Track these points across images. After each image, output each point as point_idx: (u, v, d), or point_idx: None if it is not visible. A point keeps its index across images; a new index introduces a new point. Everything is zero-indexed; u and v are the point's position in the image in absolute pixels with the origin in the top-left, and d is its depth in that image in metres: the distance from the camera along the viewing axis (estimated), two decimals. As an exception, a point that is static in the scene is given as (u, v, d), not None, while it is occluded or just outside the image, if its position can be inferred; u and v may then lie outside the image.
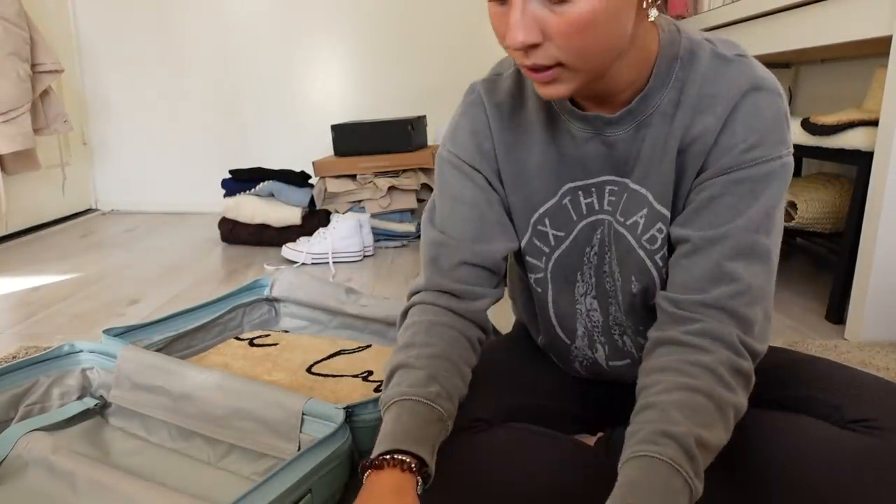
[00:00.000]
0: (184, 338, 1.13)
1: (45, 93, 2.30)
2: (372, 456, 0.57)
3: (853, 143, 1.41)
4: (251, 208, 2.29)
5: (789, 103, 2.33)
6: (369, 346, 1.18)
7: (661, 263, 0.68)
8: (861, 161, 1.40)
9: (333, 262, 2.05)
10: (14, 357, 1.27)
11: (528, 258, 0.75)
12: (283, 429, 0.80)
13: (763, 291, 0.61)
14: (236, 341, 1.19)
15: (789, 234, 1.81)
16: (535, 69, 0.58)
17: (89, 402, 0.96)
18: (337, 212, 2.30)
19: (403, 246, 2.33)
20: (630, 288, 0.71)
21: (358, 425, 0.80)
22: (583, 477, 0.66)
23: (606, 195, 0.71)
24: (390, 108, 2.88)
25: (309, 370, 1.07)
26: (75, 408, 0.94)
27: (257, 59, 2.97)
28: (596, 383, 0.81)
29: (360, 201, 2.36)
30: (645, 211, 0.67)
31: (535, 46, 0.56)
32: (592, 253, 0.74)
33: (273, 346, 1.16)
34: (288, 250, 2.09)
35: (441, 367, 0.64)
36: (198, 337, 1.17)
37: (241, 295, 1.31)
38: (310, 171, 2.48)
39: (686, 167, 0.65)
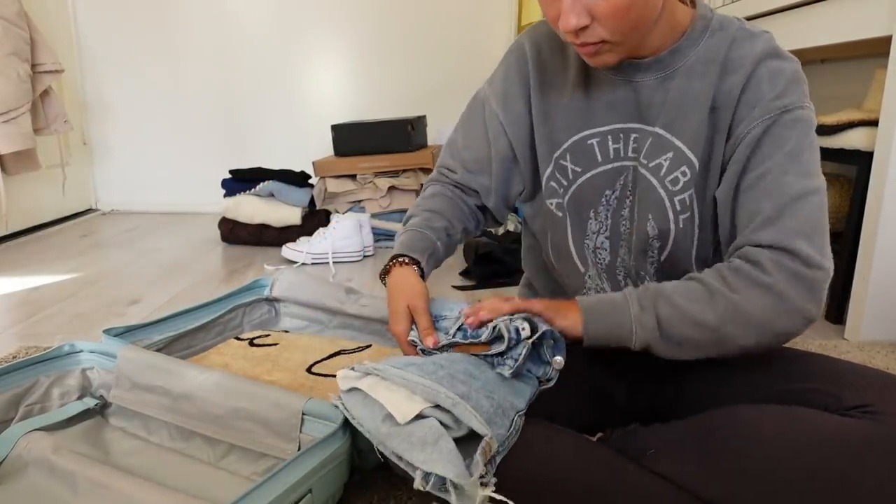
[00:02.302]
0: (184, 338, 1.13)
1: (46, 93, 2.30)
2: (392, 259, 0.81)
3: (853, 143, 1.41)
4: (251, 208, 2.29)
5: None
6: (369, 346, 1.18)
7: (679, 207, 0.75)
8: (861, 161, 1.40)
9: (333, 262, 2.05)
10: (14, 357, 1.27)
11: (550, 183, 0.84)
12: (283, 429, 0.80)
13: (796, 219, 0.67)
14: (236, 341, 1.19)
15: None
16: (584, 45, 0.67)
17: (89, 402, 0.96)
18: (337, 212, 2.30)
19: (403, 246, 2.32)
20: (646, 228, 0.77)
21: (358, 425, 0.79)
22: (585, 472, 0.66)
23: (631, 142, 0.78)
24: (390, 108, 2.88)
25: (309, 370, 1.07)
26: (75, 408, 0.94)
27: (257, 59, 2.97)
28: (597, 380, 0.82)
29: (360, 201, 2.36)
30: (671, 154, 0.75)
31: (584, 28, 0.65)
32: (613, 196, 0.81)
33: (273, 346, 1.16)
34: (288, 250, 2.09)
35: (434, 216, 0.87)
36: (198, 337, 1.17)
37: (241, 295, 1.31)
38: (310, 171, 2.48)
39: (718, 123, 0.73)
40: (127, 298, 1.71)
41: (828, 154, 1.53)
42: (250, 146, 3.06)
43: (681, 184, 0.75)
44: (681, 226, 0.76)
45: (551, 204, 0.84)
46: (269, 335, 1.22)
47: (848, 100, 1.95)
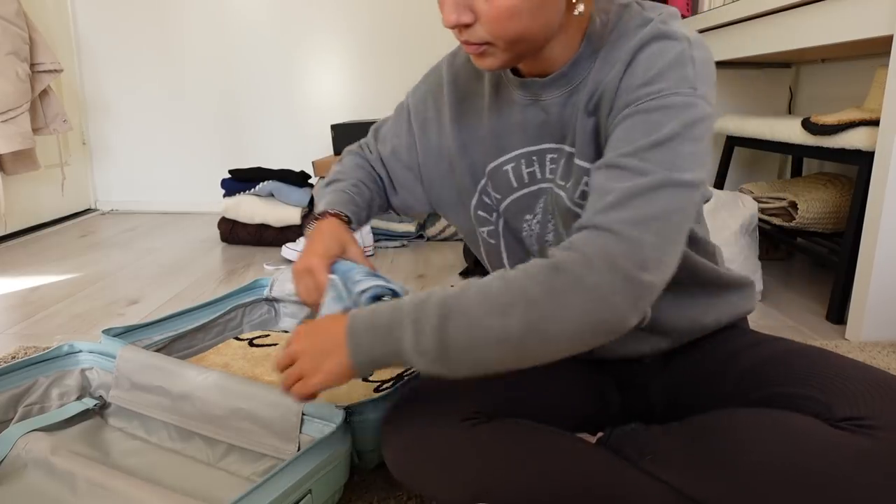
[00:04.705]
0: (183, 338, 1.13)
1: (45, 92, 2.29)
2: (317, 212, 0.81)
3: (854, 143, 1.41)
4: (251, 208, 2.29)
5: (789, 103, 2.33)
6: (369, 346, 1.18)
7: None
8: (862, 161, 1.40)
9: (333, 262, 2.05)
10: (13, 357, 1.26)
11: (479, 212, 0.81)
12: (282, 429, 0.80)
13: (631, 208, 0.56)
14: (236, 341, 1.19)
15: (790, 234, 1.81)
16: (467, 44, 0.64)
17: (88, 403, 0.95)
18: (337, 212, 2.30)
19: (403, 246, 2.32)
20: None
21: (358, 425, 0.79)
22: (579, 472, 0.66)
23: (548, 163, 0.74)
24: (390, 108, 2.86)
25: (309, 370, 1.07)
26: (74, 408, 0.94)
27: (257, 58, 2.97)
28: (594, 375, 0.82)
29: (359, 201, 2.36)
30: (575, 170, 0.70)
31: (467, 26, 0.61)
32: (535, 221, 0.77)
33: (273, 346, 1.16)
34: (288, 250, 2.09)
35: (356, 183, 0.87)
36: (197, 337, 1.16)
37: (240, 295, 1.30)
38: (310, 170, 2.48)
39: (600, 117, 0.66)
40: (126, 298, 1.70)
41: (828, 154, 1.53)
42: (250, 146, 3.05)
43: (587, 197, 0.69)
44: None
45: (483, 232, 0.82)
46: (268, 335, 1.22)
47: (848, 100, 1.95)
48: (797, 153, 1.72)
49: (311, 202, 2.36)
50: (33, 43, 2.19)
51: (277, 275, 1.35)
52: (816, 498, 0.56)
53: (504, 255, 0.82)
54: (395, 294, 0.72)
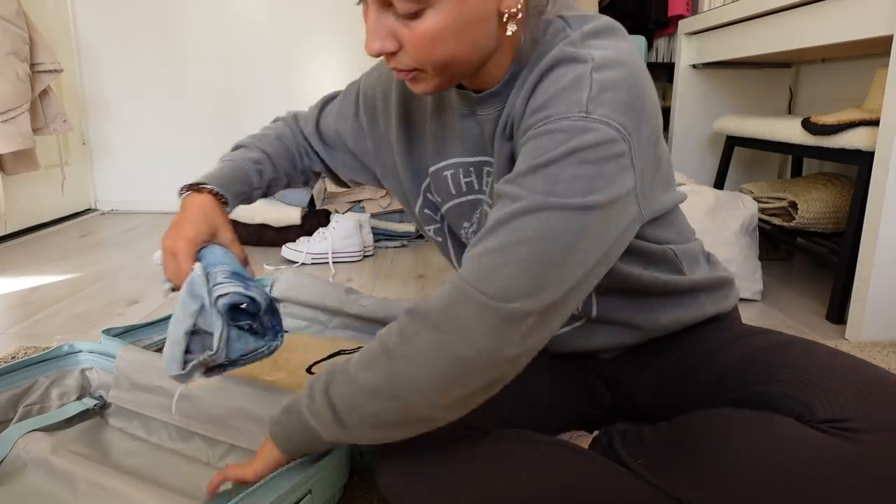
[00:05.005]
0: (183, 338, 1.13)
1: (45, 92, 2.29)
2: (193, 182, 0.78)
3: (854, 143, 1.41)
4: (251, 208, 2.29)
5: (789, 103, 2.33)
6: (369, 346, 1.18)
7: None
8: (862, 161, 1.40)
9: (333, 262, 2.05)
10: (13, 357, 1.26)
11: (425, 211, 0.81)
12: (282, 429, 0.80)
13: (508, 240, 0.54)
14: (236, 341, 1.19)
15: (790, 234, 1.81)
16: (397, 70, 0.61)
17: (88, 403, 0.95)
18: (337, 212, 2.30)
19: (403, 246, 2.32)
20: None
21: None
22: (578, 483, 0.66)
23: (485, 176, 0.73)
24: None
25: (309, 370, 1.07)
26: (74, 408, 0.94)
27: (257, 59, 2.97)
28: (581, 373, 0.82)
29: (360, 201, 2.36)
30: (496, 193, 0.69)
31: (393, 54, 0.59)
32: (471, 230, 0.77)
33: (273, 347, 1.16)
34: (288, 250, 2.09)
35: (260, 159, 0.85)
36: (197, 337, 1.16)
37: (240, 295, 1.30)
38: (309, 170, 2.48)
39: (514, 143, 0.65)
40: (126, 298, 1.70)
41: (828, 154, 1.54)
42: (250, 146, 3.05)
43: None
44: None
45: (429, 230, 0.82)
46: (268, 335, 1.22)
47: (848, 100, 1.95)
48: (797, 153, 1.72)
49: (312, 202, 2.36)
50: (33, 43, 2.19)
51: (277, 275, 1.35)
52: (799, 502, 0.55)
53: (451, 253, 0.83)
54: (252, 301, 0.70)
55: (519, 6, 0.59)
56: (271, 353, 0.72)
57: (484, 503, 0.64)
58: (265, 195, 0.89)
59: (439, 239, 0.83)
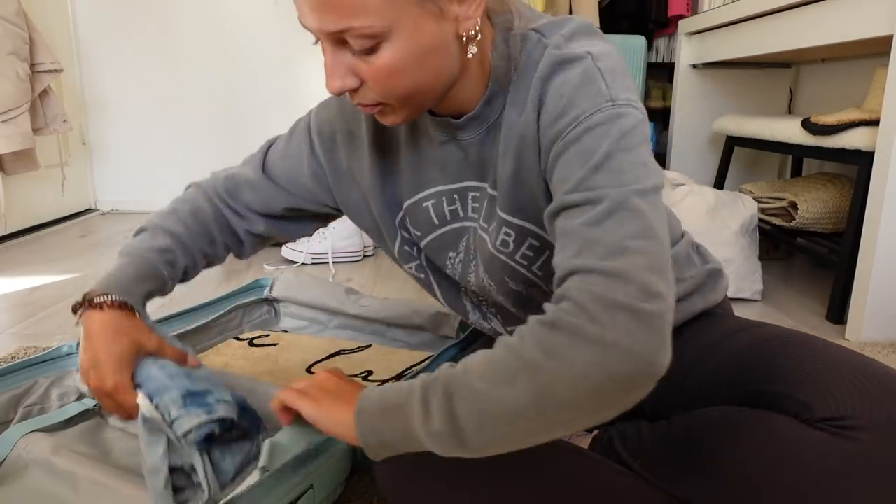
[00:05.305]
0: (183, 338, 1.13)
1: (45, 92, 2.29)
2: (91, 293, 0.70)
3: (854, 143, 1.41)
4: (251, 208, 2.29)
5: (789, 103, 2.33)
6: (369, 346, 1.18)
7: (525, 262, 0.69)
8: (862, 161, 1.40)
9: (333, 262, 2.05)
10: (13, 357, 1.26)
11: (404, 248, 0.79)
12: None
13: (591, 237, 0.52)
14: (236, 341, 1.19)
15: (790, 234, 1.81)
16: (362, 105, 0.60)
17: (88, 403, 0.95)
18: (337, 212, 2.30)
19: (403, 246, 2.32)
20: (509, 287, 0.72)
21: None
22: (577, 482, 0.66)
23: (470, 201, 0.71)
24: (390, 108, 2.87)
25: (309, 370, 1.07)
26: (75, 408, 0.94)
27: (257, 59, 2.97)
28: None
29: (359, 201, 2.35)
30: (497, 217, 0.67)
31: (355, 89, 0.58)
32: (458, 260, 0.75)
33: (273, 347, 1.16)
34: (288, 250, 2.09)
35: (169, 247, 0.80)
36: (197, 337, 1.16)
37: (240, 295, 1.30)
38: (309, 170, 2.48)
39: (523, 165, 0.63)
40: (126, 298, 1.70)
41: (828, 154, 1.54)
42: (250, 146, 3.03)
43: (510, 245, 0.68)
44: (540, 271, 0.69)
45: (410, 268, 0.81)
46: (268, 335, 1.22)
47: (848, 100, 1.95)
48: (797, 153, 1.72)
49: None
50: (33, 43, 2.19)
51: (277, 275, 1.35)
52: (799, 502, 0.55)
53: (436, 289, 0.81)
54: (222, 423, 0.65)
55: (477, 28, 0.58)
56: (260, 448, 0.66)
57: (482, 503, 0.64)
58: (184, 280, 0.83)
59: (421, 276, 0.81)
